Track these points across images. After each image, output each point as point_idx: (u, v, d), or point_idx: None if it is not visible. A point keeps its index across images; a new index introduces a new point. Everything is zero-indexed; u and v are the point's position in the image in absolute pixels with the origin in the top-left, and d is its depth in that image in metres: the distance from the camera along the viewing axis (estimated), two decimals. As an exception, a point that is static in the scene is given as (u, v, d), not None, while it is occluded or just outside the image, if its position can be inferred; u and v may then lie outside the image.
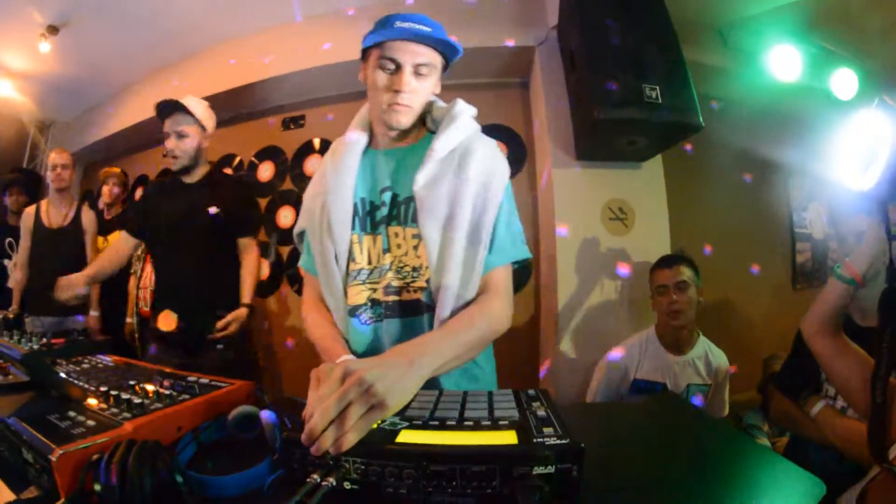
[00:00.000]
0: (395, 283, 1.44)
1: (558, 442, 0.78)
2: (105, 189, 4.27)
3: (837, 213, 4.25)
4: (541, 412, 0.94)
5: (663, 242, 3.16)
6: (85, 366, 1.58)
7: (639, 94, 2.55)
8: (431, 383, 1.15)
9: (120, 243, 2.92)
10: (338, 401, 0.85)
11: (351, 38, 3.69)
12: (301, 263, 1.68)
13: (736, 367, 2.77)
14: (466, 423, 0.89)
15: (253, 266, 2.94)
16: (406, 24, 1.36)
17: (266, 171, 4.61)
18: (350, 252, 1.48)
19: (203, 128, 2.80)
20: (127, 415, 1.03)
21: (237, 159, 4.76)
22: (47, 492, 0.87)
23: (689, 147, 3.02)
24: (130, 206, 3.26)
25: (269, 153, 4.63)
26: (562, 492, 0.77)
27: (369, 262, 1.47)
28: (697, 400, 2.57)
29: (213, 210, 2.76)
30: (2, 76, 4.77)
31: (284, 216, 4.46)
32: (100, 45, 4.35)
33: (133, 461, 0.76)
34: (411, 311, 1.43)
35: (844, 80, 3.53)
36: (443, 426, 0.88)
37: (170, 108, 2.72)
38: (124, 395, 1.12)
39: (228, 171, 4.73)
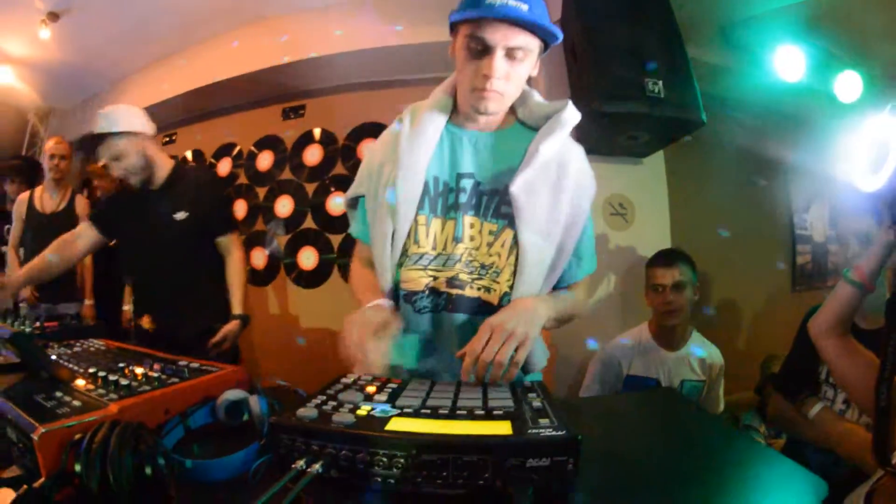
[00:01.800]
0: (462, 277, 1.35)
1: (554, 433, 0.76)
2: (96, 182, 4.22)
3: (840, 214, 4.22)
4: (536, 403, 0.92)
5: (663, 238, 3.14)
6: (77, 349, 1.58)
7: (641, 88, 2.51)
8: None
9: (80, 237, 2.61)
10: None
11: (355, 27, 3.71)
12: (353, 231, 1.56)
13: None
14: (459, 412, 0.87)
15: (237, 269, 2.72)
16: (498, 1, 1.18)
17: (265, 161, 4.58)
18: (413, 233, 1.37)
19: (136, 134, 2.51)
20: (114, 396, 1.02)
21: (237, 149, 4.73)
22: (30, 471, 0.85)
23: (691, 142, 2.99)
24: (102, 202, 3.08)
25: (268, 142, 4.60)
26: (556, 485, 0.75)
27: (434, 248, 1.37)
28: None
29: (179, 216, 2.55)
30: (2, 62, 4.72)
31: (283, 205, 4.44)
32: (101, 32, 4.29)
33: (115, 442, 0.74)
34: (472, 309, 1.35)
35: (848, 83, 3.50)
36: (435, 414, 0.86)
37: (95, 141, 2.47)
38: (112, 377, 1.11)
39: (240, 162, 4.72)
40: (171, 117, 4.83)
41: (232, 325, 2.60)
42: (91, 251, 2.71)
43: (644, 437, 1.20)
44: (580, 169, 1.39)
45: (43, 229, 3.70)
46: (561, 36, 1.27)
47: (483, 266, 1.35)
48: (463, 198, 1.37)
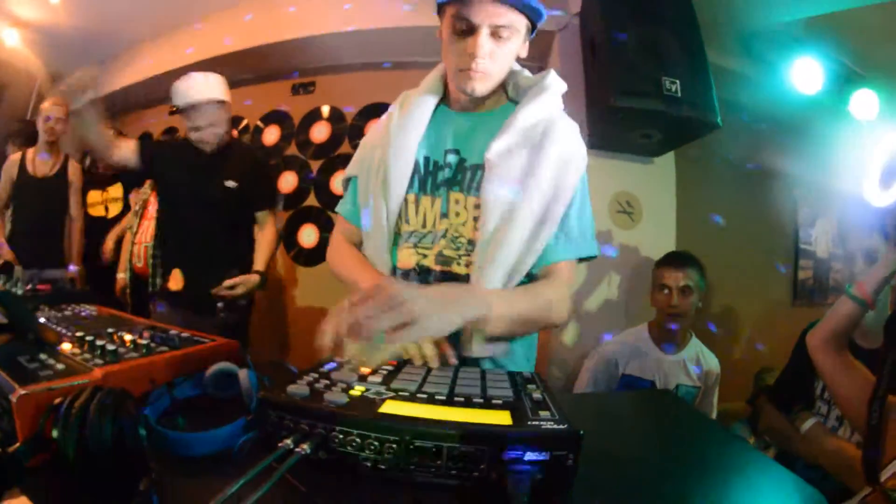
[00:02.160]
0: (447, 253, 1.34)
1: (555, 427, 0.73)
2: None
3: (846, 231, 4.20)
4: (536, 395, 0.89)
5: (668, 241, 3.12)
6: (67, 313, 1.55)
7: (658, 86, 2.49)
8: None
9: (123, 146, 2.71)
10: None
11: (370, 6, 3.67)
12: (340, 210, 1.58)
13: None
14: (457, 398, 0.84)
15: (269, 238, 2.91)
16: None
17: (272, 136, 4.55)
18: (403, 212, 1.39)
19: (228, 104, 2.76)
20: (99, 361, 0.98)
21: (244, 122, 4.69)
22: (7, 435, 0.82)
23: (697, 146, 2.98)
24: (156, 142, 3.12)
25: (275, 117, 4.57)
26: (554, 481, 0.72)
27: (423, 226, 1.38)
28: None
29: (229, 184, 2.73)
30: (10, 25, 4.65)
31: (287, 181, 4.41)
32: (111, -3, 4.26)
33: (95, 408, 0.71)
34: None
35: (865, 101, 3.46)
36: (431, 400, 0.82)
37: (198, 103, 2.63)
38: (99, 342, 1.07)
39: (246, 136, 4.70)
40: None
41: (251, 276, 2.74)
42: (118, 164, 2.73)
43: (638, 437, 1.18)
44: (568, 138, 1.35)
45: (33, 193, 3.65)
46: (545, 14, 1.28)
47: (471, 242, 1.33)
48: (449, 174, 1.37)
